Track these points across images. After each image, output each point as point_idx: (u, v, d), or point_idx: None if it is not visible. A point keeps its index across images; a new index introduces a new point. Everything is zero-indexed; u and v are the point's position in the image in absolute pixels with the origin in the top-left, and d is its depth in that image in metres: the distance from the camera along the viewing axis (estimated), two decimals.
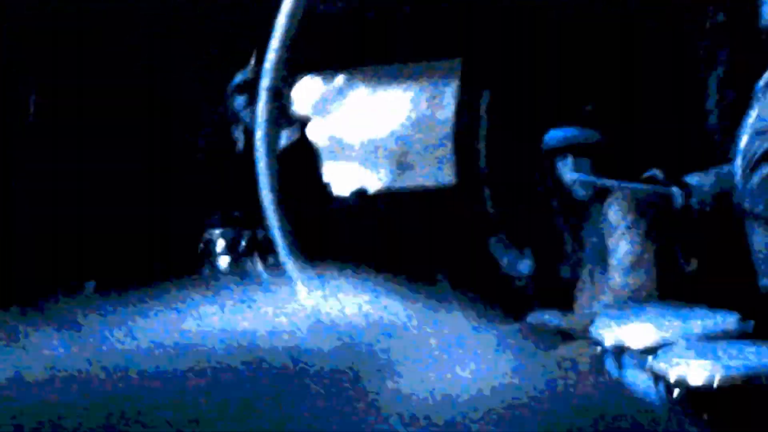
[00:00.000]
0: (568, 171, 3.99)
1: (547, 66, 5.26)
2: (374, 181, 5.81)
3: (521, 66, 5.41)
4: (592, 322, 3.26)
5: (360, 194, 5.37)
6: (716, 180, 3.45)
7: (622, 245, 3.82)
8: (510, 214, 5.29)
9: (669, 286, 3.79)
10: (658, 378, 2.74)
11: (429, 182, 5.72)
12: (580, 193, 4.02)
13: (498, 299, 4.25)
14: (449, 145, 5.68)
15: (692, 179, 3.54)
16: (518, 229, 5.21)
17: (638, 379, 2.93)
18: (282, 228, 4.18)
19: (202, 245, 5.30)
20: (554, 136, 4.08)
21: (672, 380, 2.68)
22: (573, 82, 5.10)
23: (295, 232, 4.24)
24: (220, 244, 5.25)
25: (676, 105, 5.02)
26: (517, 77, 5.44)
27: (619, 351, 3.02)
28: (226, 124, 5.68)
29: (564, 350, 3.66)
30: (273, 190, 4.16)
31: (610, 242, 3.87)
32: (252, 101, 4.66)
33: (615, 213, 3.89)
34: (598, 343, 3.09)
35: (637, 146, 4.49)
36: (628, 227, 3.83)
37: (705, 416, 2.62)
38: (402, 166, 5.81)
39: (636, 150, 4.40)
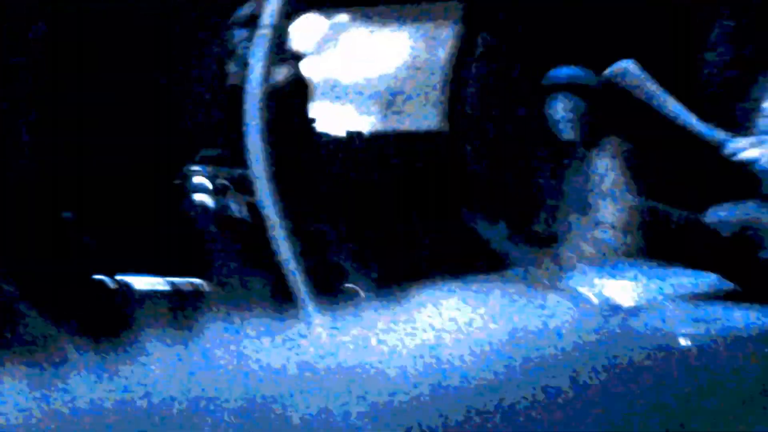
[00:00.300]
0: (560, 109, 3.95)
1: (548, 8, 5.22)
2: (363, 123, 5.79)
3: (521, 8, 5.36)
4: (568, 274, 3.23)
5: (348, 136, 5.34)
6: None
7: (610, 200, 3.78)
8: (492, 166, 5.28)
9: (655, 245, 3.76)
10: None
11: (417, 127, 5.70)
12: (568, 134, 3.98)
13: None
14: (442, 89, 5.64)
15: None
16: (497, 181, 5.21)
17: None
18: (264, 167, 4.15)
19: (179, 180, 5.28)
20: (557, 72, 4.04)
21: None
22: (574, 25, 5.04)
23: (277, 172, 4.22)
24: (197, 180, 5.23)
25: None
26: (518, 19, 5.39)
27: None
28: (221, 57, 5.63)
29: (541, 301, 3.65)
30: (260, 127, 4.13)
31: (597, 195, 3.83)
32: (251, 36, 4.62)
33: (605, 164, 3.85)
34: (578, 296, 3.06)
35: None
36: (617, 180, 3.79)
37: None
38: (392, 109, 5.79)
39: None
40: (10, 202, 5.39)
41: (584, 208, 3.93)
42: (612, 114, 4.05)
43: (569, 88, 4.00)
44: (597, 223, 3.83)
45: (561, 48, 4.92)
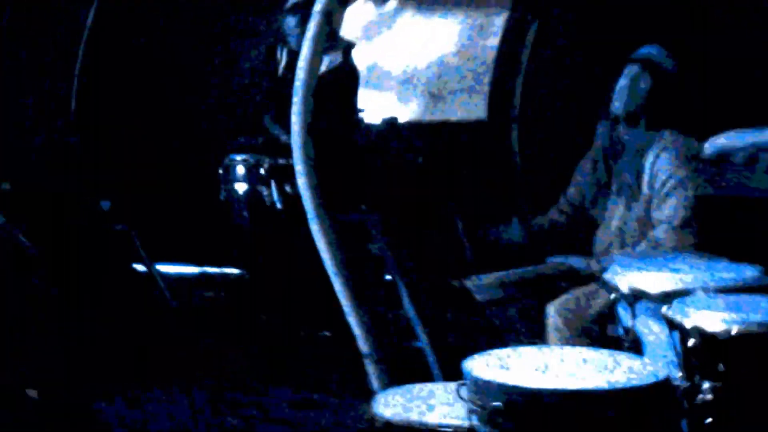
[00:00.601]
0: (625, 82, 3.79)
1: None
2: (405, 112, 5.69)
3: None
4: (608, 266, 3.10)
5: (389, 124, 5.23)
6: None
7: (672, 200, 3.64)
8: (537, 154, 5.16)
9: (710, 246, 3.59)
10: (673, 326, 2.59)
11: (460, 116, 5.59)
12: (620, 108, 3.80)
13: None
14: (488, 78, 5.53)
15: None
16: (543, 170, 5.07)
17: (651, 326, 2.79)
18: (306, 156, 4.10)
19: (222, 170, 5.23)
20: (640, 50, 3.89)
21: (687, 328, 2.51)
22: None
23: (319, 161, 4.16)
24: (240, 171, 5.17)
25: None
26: (570, 7, 5.27)
27: (635, 297, 2.85)
28: (271, 44, 5.58)
29: (579, 292, 3.53)
30: (304, 117, 4.09)
31: (658, 193, 3.68)
32: (303, 23, 4.56)
33: (667, 162, 3.69)
34: (614, 287, 2.93)
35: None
36: (681, 180, 3.64)
37: (719, 366, 2.46)
38: (435, 97, 5.68)
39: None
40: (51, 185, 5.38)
41: (634, 197, 3.77)
42: (677, 101, 3.88)
43: (643, 63, 3.82)
44: (646, 214, 3.69)
45: (613, 35, 4.77)
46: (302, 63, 4.09)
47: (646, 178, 3.74)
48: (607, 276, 3.02)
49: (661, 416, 2.34)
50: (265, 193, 5.06)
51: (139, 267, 5.67)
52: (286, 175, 4.85)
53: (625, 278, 2.91)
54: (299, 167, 4.13)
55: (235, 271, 5.93)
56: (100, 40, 6.09)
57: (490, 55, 5.57)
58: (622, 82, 3.83)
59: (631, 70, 3.83)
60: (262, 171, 5.06)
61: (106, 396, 4.47)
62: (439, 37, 5.83)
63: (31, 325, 4.40)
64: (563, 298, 3.56)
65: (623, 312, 2.94)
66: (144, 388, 4.69)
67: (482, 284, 3.90)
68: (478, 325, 4.09)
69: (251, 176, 5.12)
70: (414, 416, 2.66)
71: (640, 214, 3.74)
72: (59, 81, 6.10)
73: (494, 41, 5.56)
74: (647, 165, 3.74)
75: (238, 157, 5.18)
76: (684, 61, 3.98)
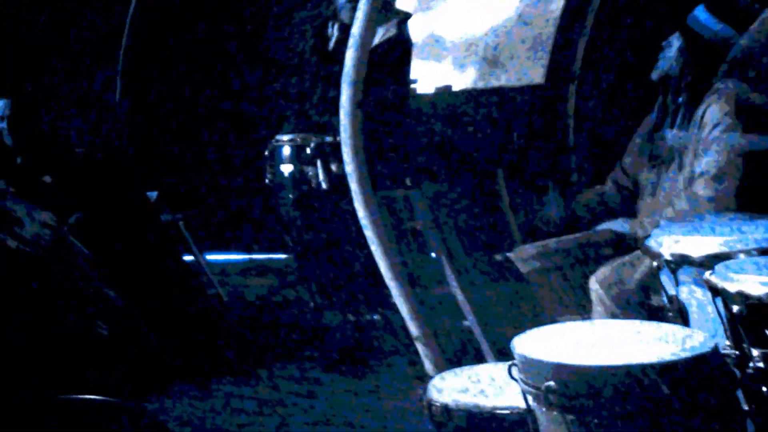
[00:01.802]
0: (674, 47, 3.74)
1: None
2: (460, 80, 5.59)
3: None
4: (652, 231, 3.08)
5: (442, 93, 5.18)
6: None
7: (713, 152, 3.57)
8: (593, 121, 5.08)
9: (751, 199, 3.54)
10: (716, 292, 2.58)
11: (517, 82, 5.48)
12: (662, 71, 3.76)
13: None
14: (549, 42, 5.41)
15: None
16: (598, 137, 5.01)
17: (696, 293, 2.79)
18: (354, 136, 4.09)
19: (267, 153, 5.24)
20: (702, 16, 3.82)
21: (731, 293, 2.50)
22: None
23: (367, 137, 4.15)
24: (286, 152, 5.18)
25: None
26: None
27: (677, 263, 2.84)
28: (323, 20, 5.54)
29: (622, 261, 3.52)
30: (354, 92, 4.07)
31: (699, 145, 3.61)
32: None
33: (716, 111, 3.61)
34: (656, 254, 2.92)
35: None
36: (725, 128, 3.56)
37: (764, 332, 2.46)
38: (492, 63, 5.58)
39: None
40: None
41: (681, 161, 3.72)
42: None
43: (687, 28, 3.76)
44: (694, 176, 3.62)
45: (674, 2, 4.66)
46: (353, 38, 4.06)
47: (694, 132, 3.69)
48: (649, 242, 2.97)
49: (716, 387, 2.35)
50: (311, 173, 5.07)
51: (188, 257, 5.75)
52: (333, 153, 4.86)
53: (667, 243, 2.87)
54: (346, 145, 4.12)
55: (282, 256, 5.98)
56: (143, 30, 6.12)
57: (553, 19, 5.44)
58: (671, 45, 3.79)
59: (677, 35, 3.79)
60: (308, 151, 5.06)
61: (163, 391, 4.54)
62: (498, 2, 5.70)
63: (83, 325, 4.48)
64: (606, 268, 3.54)
65: (666, 279, 2.91)
66: (201, 381, 4.74)
67: (525, 255, 3.90)
68: (522, 298, 4.11)
69: (297, 157, 5.13)
70: (471, 400, 2.71)
71: (686, 176, 3.68)
72: (104, 71, 6.16)
73: (557, 3, 5.43)
74: (697, 120, 3.67)
75: (285, 138, 5.18)
76: (736, 20, 3.88)
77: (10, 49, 5.66)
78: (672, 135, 3.80)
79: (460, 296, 4.40)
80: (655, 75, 3.84)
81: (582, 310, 3.63)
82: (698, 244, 2.79)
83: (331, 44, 5.32)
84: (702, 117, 3.64)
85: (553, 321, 3.23)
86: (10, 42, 5.69)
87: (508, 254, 4.04)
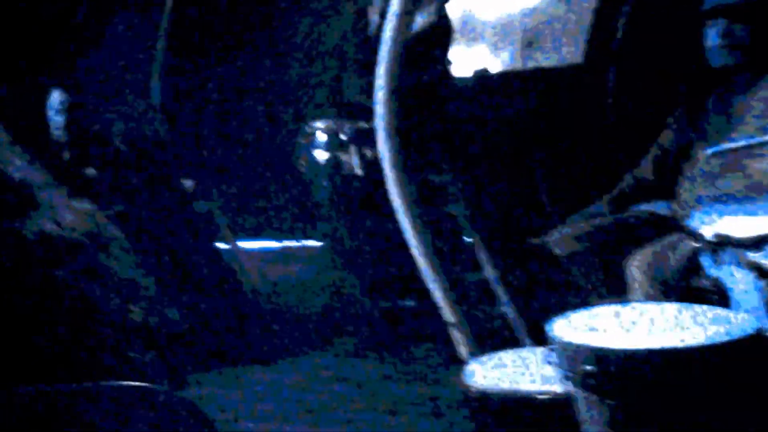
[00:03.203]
0: (716, 34, 3.64)
1: None
2: (498, 63, 5.54)
3: None
4: (692, 212, 3.03)
5: (480, 76, 5.14)
6: None
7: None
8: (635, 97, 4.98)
9: None
10: (763, 273, 2.54)
11: (554, 63, 5.41)
12: (719, 60, 3.66)
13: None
14: (588, 21, 5.32)
15: None
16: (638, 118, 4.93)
17: (737, 275, 2.74)
18: (389, 117, 4.08)
19: (301, 139, 5.23)
20: None
21: None
22: None
23: (403, 122, 4.13)
24: (320, 138, 5.17)
25: None
26: None
27: (720, 244, 2.79)
28: (362, 5, 5.51)
29: (661, 244, 3.46)
30: (391, 78, 4.05)
31: (752, 122, 3.52)
32: None
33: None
34: (698, 235, 2.87)
35: None
36: None
37: None
38: (530, 45, 5.51)
39: None
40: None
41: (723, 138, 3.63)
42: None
43: (728, 11, 3.64)
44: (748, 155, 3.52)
45: None
46: (390, 24, 4.04)
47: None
48: (690, 223, 2.94)
49: (759, 370, 2.31)
50: (345, 159, 5.06)
51: (223, 245, 5.76)
52: (368, 139, 4.84)
53: (709, 224, 2.84)
54: (381, 130, 4.10)
55: (315, 243, 5.97)
56: (180, 21, 6.14)
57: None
58: (711, 39, 3.71)
59: (717, 23, 3.70)
60: (342, 136, 5.05)
61: (199, 379, 4.56)
62: None
63: (117, 310, 4.50)
64: (644, 251, 3.48)
65: (707, 261, 2.88)
66: (236, 369, 4.76)
67: (561, 238, 3.85)
68: (558, 282, 4.07)
69: (331, 143, 5.12)
70: (508, 384, 2.69)
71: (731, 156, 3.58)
72: (141, 65, 6.18)
73: None
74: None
75: (319, 124, 5.18)
76: None
77: (58, 40, 5.70)
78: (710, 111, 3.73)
79: (495, 281, 4.37)
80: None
81: (619, 293, 3.58)
82: (744, 225, 2.74)
83: (371, 30, 5.31)
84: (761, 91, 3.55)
85: (589, 305, 3.19)
86: (57, 33, 5.73)
87: (543, 238, 3.99)
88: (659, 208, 3.73)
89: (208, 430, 2.07)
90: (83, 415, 2.05)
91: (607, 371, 2.31)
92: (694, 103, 3.82)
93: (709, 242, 2.82)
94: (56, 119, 5.15)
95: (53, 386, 2.13)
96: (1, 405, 2.05)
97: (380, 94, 4.06)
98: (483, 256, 4.43)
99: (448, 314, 4.11)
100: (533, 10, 5.54)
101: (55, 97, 5.18)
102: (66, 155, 5.14)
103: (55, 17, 5.67)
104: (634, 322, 2.48)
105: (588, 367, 2.33)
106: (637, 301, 3.39)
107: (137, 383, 2.17)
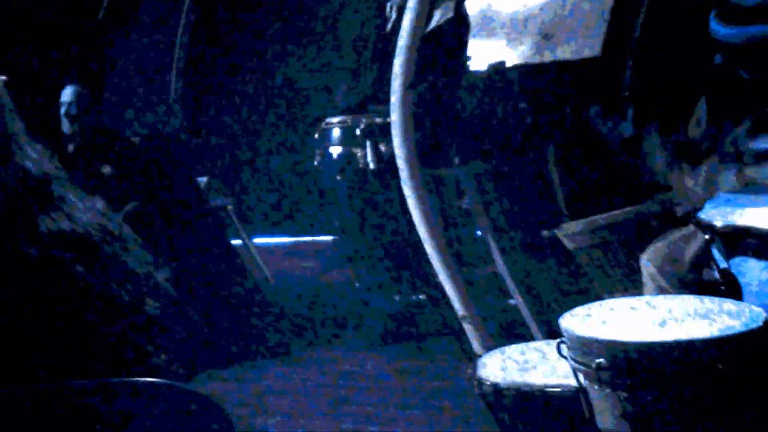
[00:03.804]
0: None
1: None
2: (514, 56, 5.54)
3: None
4: (703, 205, 3.02)
5: (495, 70, 5.14)
6: None
7: None
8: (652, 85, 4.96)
9: None
10: None
11: (572, 55, 5.40)
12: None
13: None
14: (607, 12, 5.31)
15: None
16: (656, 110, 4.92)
17: (752, 268, 2.74)
18: (404, 112, 4.08)
19: (317, 135, 5.24)
20: None
21: None
22: None
23: (418, 117, 4.14)
24: (335, 133, 5.18)
25: None
26: None
27: (733, 236, 2.78)
28: (381, 2, 5.51)
29: (673, 236, 3.46)
30: (407, 73, 4.06)
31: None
32: None
33: None
34: (709, 226, 2.85)
35: None
36: None
37: None
38: (547, 37, 5.51)
39: None
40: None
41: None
42: None
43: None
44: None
45: None
46: (407, 20, 4.05)
47: None
48: (702, 214, 2.93)
49: None
50: (359, 154, 5.07)
51: (237, 241, 5.78)
52: (382, 134, 4.85)
53: (722, 215, 2.80)
54: (395, 125, 4.11)
55: (329, 238, 5.99)
56: (198, 18, 6.16)
57: None
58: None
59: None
60: (357, 132, 5.06)
61: (217, 376, 4.58)
62: None
63: (133, 305, 4.53)
64: (658, 244, 3.48)
65: (718, 253, 2.87)
66: (251, 364, 4.78)
67: (573, 232, 3.86)
68: (570, 275, 4.08)
69: (346, 138, 5.13)
70: (521, 378, 2.69)
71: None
72: (159, 61, 6.21)
73: None
74: None
75: (335, 119, 5.19)
76: None
77: (76, 38, 5.73)
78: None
79: (507, 274, 4.38)
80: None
81: (631, 286, 3.58)
82: (761, 217, 2.70)
83: (389, 25, 5.31)
84: None
85: (601, 298, 3.19)
86: (75, 31, 5.75)
87: (555, 231, 4.00)
88: (674, 200, 3.73)
89: (225, 425, 2.09)
90: (101, 411, 2.07)
91: (618, 363, 2.32)
92: (714, 96, 3.82)
93: (720, 234, 2.79)
94: (72, 115, 5.18)
95: (70, 382, 2.16)
96: (19, 400, 2.08)
97: (395, 90, 4.07)
98: (495, 249, 4.43)
99: (460, 308, 4.12)
100: (550, 2, 5.53)
101: (72, 93, 5.21)
102: (82, 152, 5.17)
103: (76, 14, 5.70)
104: (645, 314, 2.48)
105: (600, 360, 2.34)
106: (649, 294, 3.40)
107: (154, 379, 2.20)
